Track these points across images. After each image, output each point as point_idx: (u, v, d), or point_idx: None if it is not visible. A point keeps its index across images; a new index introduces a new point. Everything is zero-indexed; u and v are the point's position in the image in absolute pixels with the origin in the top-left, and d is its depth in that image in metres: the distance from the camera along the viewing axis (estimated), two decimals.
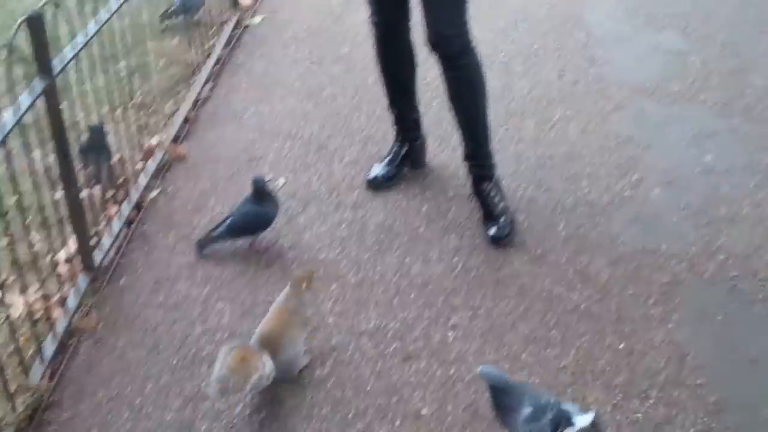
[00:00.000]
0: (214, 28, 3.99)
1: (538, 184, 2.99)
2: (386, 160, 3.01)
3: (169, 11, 4.04)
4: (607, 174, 3.04)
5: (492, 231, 2.69)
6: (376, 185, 2.97)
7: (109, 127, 2.95)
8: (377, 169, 3.00)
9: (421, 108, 3.11)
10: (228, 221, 2.65)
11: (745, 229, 2.74)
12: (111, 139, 2.94)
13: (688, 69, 3.76)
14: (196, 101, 3.55)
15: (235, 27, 4.23)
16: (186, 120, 3.41)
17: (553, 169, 3.07)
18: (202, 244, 2.67)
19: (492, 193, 2.74)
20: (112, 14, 2.67)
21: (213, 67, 3.82)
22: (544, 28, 4.19)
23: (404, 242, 2.72)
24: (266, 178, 2.78)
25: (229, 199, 2.92)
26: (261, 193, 2.66)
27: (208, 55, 3.85)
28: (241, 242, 2.71)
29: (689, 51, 3.93)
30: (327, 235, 2.76)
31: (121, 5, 2.75)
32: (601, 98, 3.55)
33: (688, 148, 3.20)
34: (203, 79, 3.68)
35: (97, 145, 2.82)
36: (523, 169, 3.08)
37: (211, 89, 3.68)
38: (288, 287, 2.25)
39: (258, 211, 2.66)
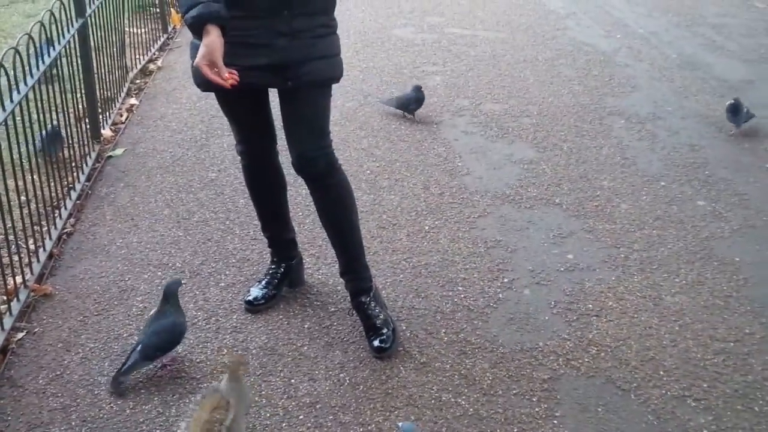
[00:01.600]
0: (75, 162, 3.91)
1: (417, 292, 3.05)
2: (264, 281, 2.99)
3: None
4: (480, 278, 3.14)
5: (375, 343, 2.70)
6: (255, 307, 2.94)
7: None
8: (255, 291, 2.97)
9: (296, 226, 3.14)
10: (139, 347, 2.54)
11: (612, 321, 2.89)
12: None
13: (541, 176, 4.01)
14: (59, 237, 3.43)
15: (97, 160, 4.17)
16: (50, 256, 3.29)
17: (429, 276, 3.15)
18: (118, 381, 2.54)
19: (372, 306, 2.77)
20: None
21: (76, 201, 3.72)
22: (404, 144, 4.38)
23: (288, 362, 2.68)
24: (181, 281, 2.75)
25: (101, 335, 2.81)
26: (171, 302, 2.61)
27: (70, 190, 3.76)
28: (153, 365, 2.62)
29: (540, 159, 4.20)
30: (208, 362, 2.68)
31: None
32: (466, 207, 3.71)
33: (550, 248, 3.37)
34: (66, 214, 3.58)
35: None
36: (400, 279, 3.13)
37: (75, 224, 3.57)
38: (226, 380, 2.21)
39: (170, 325, 2.59)
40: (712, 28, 6.59)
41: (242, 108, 2.72)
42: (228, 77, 2.28)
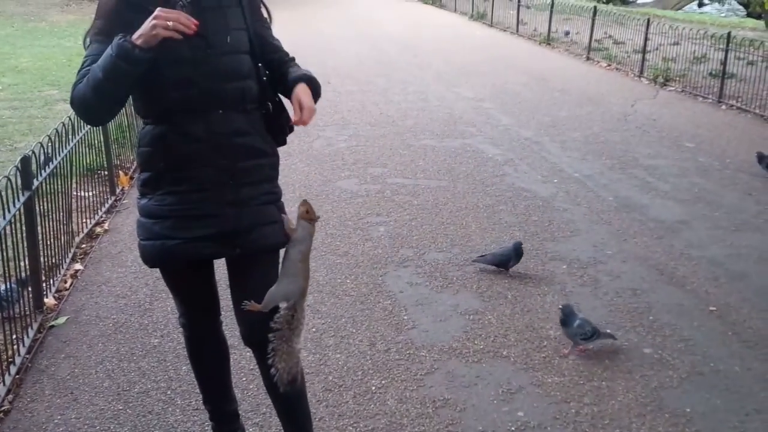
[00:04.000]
0: (16, 334, 3.81)
1: None
2: None
3: None
4: None
5: None
6: None
7: None
8: None
9: (239, 392, 3.07)
10: None
11: None
12: None
13: (487, 327, 4.02)
14: None
15: (39, 330, 4.08)
16: None
17: None
18: None
19: None
20: None
21: (15, 376, 3.61)
22: (349, 299, 4.38)
23: None
24: None
25: None
26: None
27: (10, 364, 3.65)
28: None
29: (485, 309, 4.22)
30: None
31: None
32: (413, 363, 3.68)
33: (500, 405, 3.33)
34: (3, 391, 3.46)
35: None
36: None
37: (12, 400, 3.45)
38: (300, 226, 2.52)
39: None
40: (645, 170, 6.86)
41: (188, 282, 2.71)
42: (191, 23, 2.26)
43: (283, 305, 2.53)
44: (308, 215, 2.51)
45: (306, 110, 2.45)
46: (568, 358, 3.69)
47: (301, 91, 2.49)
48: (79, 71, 2.38)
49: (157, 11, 2.23)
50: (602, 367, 3.63)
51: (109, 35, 2.32)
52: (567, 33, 14.81)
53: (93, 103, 2.35)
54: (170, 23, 2.21)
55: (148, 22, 2.23)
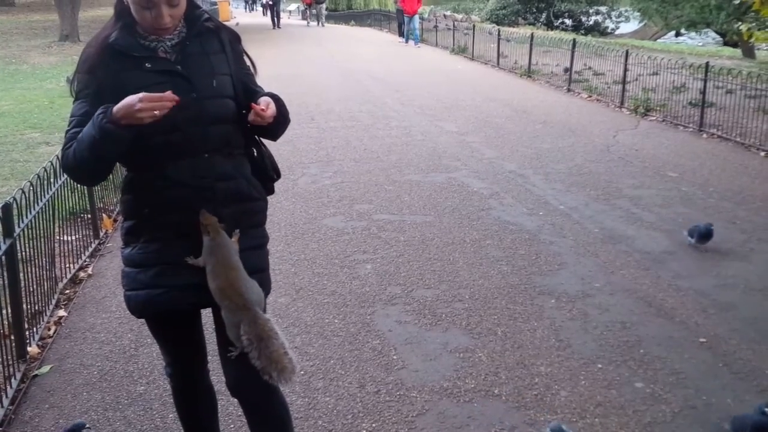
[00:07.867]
0: None
1: None
2: None
3: None
4: None
5: None
6: None
7: None
8: None
9: None
10: None
11: None
12: None
13: (478, 365, 3.98)
14: None
15: (22, 380, 4.00)
16: None
17: None
18: None
19: None
20: None
21: None
22: (338, 339, 4.33)
23: None
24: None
25: None
26: None
27: None
28: None
29: (475, 347, 4.19)
30: None
31: None
32: (404, 405, 3.63)
33: None
34: None
35: None
36: None
37: None
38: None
39: None
40: (629, 200, 6.88)
41: (174, 332, 2.67)
42: (169, 97, 2.23)
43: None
44: (204, 228, 2.40)
45: (269, 109, 2.41)
46: (560, 395, 3.66)
47: (268, 98, 2.47)
48: (67, 132, 2.36)
49: (142, 97, 2.18)
50: (594, 403, 3.59)
51: (93, 87, 2.32)
52: (566, 70, 14.16)
53: (84, 174, 2.39)
54: (157, 112, 2.19)
55: (132, 104, 2.18)
